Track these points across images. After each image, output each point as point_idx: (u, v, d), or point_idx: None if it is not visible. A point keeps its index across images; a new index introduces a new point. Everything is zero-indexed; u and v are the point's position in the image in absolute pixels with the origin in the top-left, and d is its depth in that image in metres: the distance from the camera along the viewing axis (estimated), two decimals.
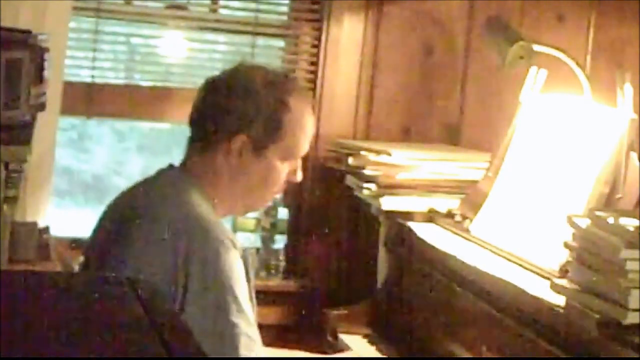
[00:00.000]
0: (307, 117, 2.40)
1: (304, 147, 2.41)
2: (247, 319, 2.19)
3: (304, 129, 2.39)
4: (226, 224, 3.30)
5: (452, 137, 3.50)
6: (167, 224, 2.22)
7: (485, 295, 2.38)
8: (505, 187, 2.67)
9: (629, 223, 1.95)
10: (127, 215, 2.30)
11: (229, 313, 2.17)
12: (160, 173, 2.39)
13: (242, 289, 2.21)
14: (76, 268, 2.38)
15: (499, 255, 2.50)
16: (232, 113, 2.33)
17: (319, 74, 3.45)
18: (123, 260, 2.21)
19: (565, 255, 2.19)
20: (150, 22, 3.42)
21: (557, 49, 2.70)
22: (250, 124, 2.32)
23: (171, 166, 2.40)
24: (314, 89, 3.46)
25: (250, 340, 2.18)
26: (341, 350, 2.81)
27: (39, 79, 2.31)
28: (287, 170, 2.39)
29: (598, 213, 2.02)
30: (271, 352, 2.40)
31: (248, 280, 2.27)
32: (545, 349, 2.11)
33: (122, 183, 2.49)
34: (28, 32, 2.38)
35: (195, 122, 2.40)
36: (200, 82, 2.44)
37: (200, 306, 2.14)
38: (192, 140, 2.39)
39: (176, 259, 2.16)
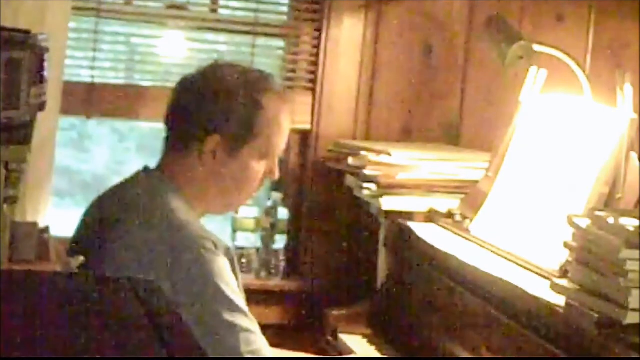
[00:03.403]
0: (283, 115, 2.38)
1: (280, 145, 2.40)
2: (242, 314, 2.19)
3: (280, 128, 2.37)
4: (226, 224, 3.32)
5: (452, 137, 3.50)
6: (147, 232, 2.21)
7: (485, 295, 2.38)
8: (505, 187, 2.67)
9: (629, 223, 1.95)
10: (106, 221, 2.30)
11: (222, 314, 2.16)
12: (137, 176, 2.38)
13: (231, 287, 2.20)
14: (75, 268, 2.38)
15: (499, 255, 2.50)
16: (204, 113, 2.32)
17: (319, 74, 3.45)
18: (104, 267, 2.20)
19: (565, 255, 2.20)
20: (150, 22, 3.42)
21: (557, 49, 2.70)
22: (223, 124, 2.31)
23: (147, 168, 2.39)
24: (314, 89, 3.46)
25: (249, 334, 2.18)
26: (341, 351, 2.81)
27: (39, 79, 2.31)
28: (263, 169, 2.38)
29: (598, 213, 2.03)
30: (272, 352, 2.40)
31: (236, 277, 2.26)
32: (545, 349, 2.11)
33: None
34: (28, 32, 2.38)
35: (170, 122, 2.39)
36: None
37: (192, 311, 2.12)
38: (168, 141, 2.39)
39: (157, 268, 2.16)
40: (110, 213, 2.31)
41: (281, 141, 2.39)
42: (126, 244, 2.21)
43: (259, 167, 2.36)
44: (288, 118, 2.40)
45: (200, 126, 2.32)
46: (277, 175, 2.43)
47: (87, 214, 2.42)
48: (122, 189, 2.39)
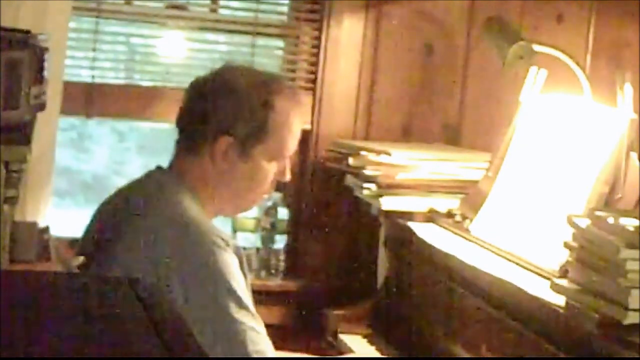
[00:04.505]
0: (294, 116, 2.39)
1: (291, 146, 2.41)
2: (249, 313, 2.20)
3: (291, 129, 2.38)
4: (226, 224, 3.32)
5: (452, 137, 3.50)
6: (158, 227, 2.22)
7: (485, 295, 2.38)
8: (505, 187, 2.67)
9: (629, 223, 1.95)
10: (117, 219, 2.30)
11: (230, 311, 2.17)
12: (149, 175, 2.39)
13: (239, 285, 2.22)
14: (76, 268, 2.38)
15: (499, 255, 2.50)
16: (216, 114, 2.33)
17: (319, 74, 3.45)
18: (114, 264, 2.21)
19: (565, 255, 2.19)
20: (150, 22, 3.42)
21: (557, 49, 2.70)
22: (235, 124, 2.32)
23: (159, 168, 2.40)
24: (314, 89, 3.46)
25: (256, 333, 2.20)
26: (341, 351, 2.81)
27: (39, 79, 2.31)
28: (274, 170, 2.39)
29: (598, 213, 2.03)
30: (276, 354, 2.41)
31: (244, 276, 2.27)
32: (546, 349, 2.11)
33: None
34: (28, 32, 2.38)
35: (182, 123, 2.40)
36: None
37: (201, 308, 2.14)
38: (179, 142, 2.40)
39: (168, 263, 2.17)
40: (121, 211, 2.32)
41: (292, 142, 2.40)
42: (137, 241, 2.21)
43: (270, 168, 2.37)
44: (299, 119, 2.41)
45: (212, 127, 2.33)
46: (288, 176, 2.43)
47: (98, 212, 2.43)
48: (133, 188, 2.40)
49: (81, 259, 2.27)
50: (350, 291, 3.25)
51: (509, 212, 2.61)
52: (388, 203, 2.96)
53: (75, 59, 3.32)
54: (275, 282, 3.39)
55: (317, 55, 3.46)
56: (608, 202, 2.36)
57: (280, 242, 3.42)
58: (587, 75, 2.68)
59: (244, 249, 3.30)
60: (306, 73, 3.49)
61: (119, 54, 3.48)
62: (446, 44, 3.51)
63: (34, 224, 2.75)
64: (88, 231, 2.43)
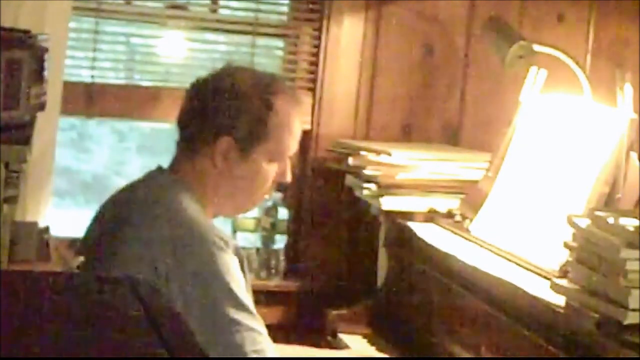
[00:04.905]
0: (294, 117, 2.39)
1: (292, 147, 2.41)
2: (248, 314, 2.20)
3: (291, 130, 2.39)
4: (226, 224, 3.32)
5: (452, 137, 3.50)
6: (158, 227, 2.22)
7: (485, 295, 2.38)
8: (505, 187, 2.67)
9: (629, 223, 1.95)
10: (118, 219, 2.31)
11: (229, 312, 2.17)
12: (149, 175, 2.40)
13: (239, 285, 2.22)
14: (76, 268, 2.38)
15: (499, 255, 2.50)
16: (216, 115, 2.33)
17: (319, 74, 3.44)
18: (114, 264, 2.21)
19: (565, 255, 2.20)
20: (150, 22, 3.42)
21: (557, 49, 2.71)
22: (235, 125, 2.33)
23: (160, 168, 2.40)
24: (314, 89, 3.46)
25: (255, 333, 2.19)
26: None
27: (39, 79, 2.31)
28: (275, 171, 2.39)
29: (598, 213, 2.03)
30: (277, 353, 2.41)
31: (244, 276, 2.27)
32: (545, 349, 2.11)
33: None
34: (28, 32, 2.38)
35: (182, 124, 2.41)
36: None
37: (199, 309, 2.14)
38: (180, 143, 2.40)
39: (168, 263, 2.17)
40: (121, 212, 2.32)
41: (292, 143, 2.40)
42: (137, 241, 2.22)
43: (270, 169, 2.37)
44: (299, 120, 2.42)
45: (212, 127, 2.33)
46: (289, 177, 2.43)
47: (99, 213, 2.43)
48: (134, 188, 2.40)
49: (81, 259, 2.28)
50: (350, 291, 3.25)
51: (509, 212, 2.61)
52: (388, 203, 2.96)
53: (75, 59, 3.32)
54: (275, 282, 3.38)
55: (317, 55, 3.45)
56: (608, 202, 2.36)
57: (280, 242, 3.42)
58: (587, 75, 2.69)
59: (244, 249, 3.32)
60: (306, 73, 3.49)
61: (119, 54, 3.48)
62: (446, 44, 3.51)
63: (34, 224, 2.75)
64: (89, 231, 2.44)
